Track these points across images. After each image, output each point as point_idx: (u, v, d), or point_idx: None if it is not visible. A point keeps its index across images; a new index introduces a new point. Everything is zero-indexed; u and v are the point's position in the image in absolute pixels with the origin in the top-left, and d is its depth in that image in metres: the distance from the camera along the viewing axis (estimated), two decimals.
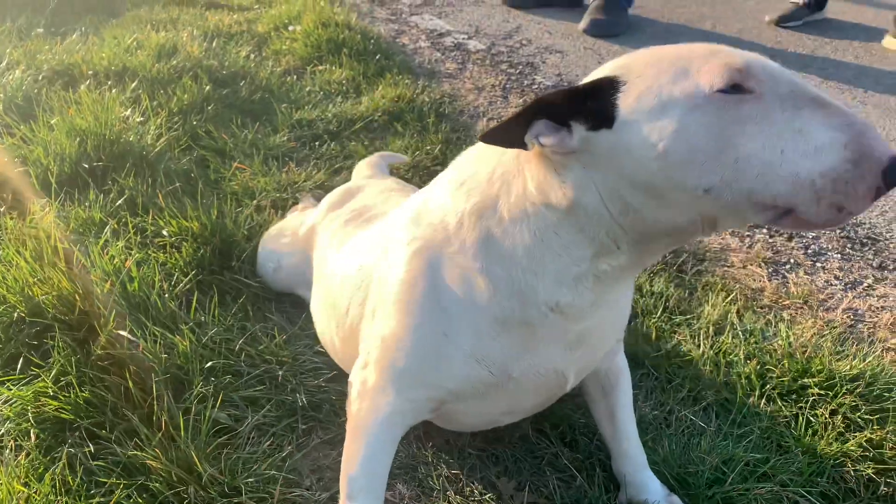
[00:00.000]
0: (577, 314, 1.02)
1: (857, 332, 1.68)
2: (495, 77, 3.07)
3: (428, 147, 2.42)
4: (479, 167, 1.02)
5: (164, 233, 1.74)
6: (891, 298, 1.79)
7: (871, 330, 1.69)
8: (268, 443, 1.32)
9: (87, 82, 2.60)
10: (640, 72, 0.89)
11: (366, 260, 1.20)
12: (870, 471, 1.31)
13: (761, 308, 1.74)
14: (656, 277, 1.82)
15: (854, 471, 1.31)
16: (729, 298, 1.74)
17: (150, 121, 2.32)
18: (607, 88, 0.90)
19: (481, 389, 1.09)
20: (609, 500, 1.26)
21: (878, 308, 1.76)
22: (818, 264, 1.91)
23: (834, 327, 1.66)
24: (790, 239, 2.01)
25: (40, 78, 2.65)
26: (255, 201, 2.02)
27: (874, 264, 1.91)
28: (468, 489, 1.28)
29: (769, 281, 1.83)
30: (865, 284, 1.84)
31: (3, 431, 1.24)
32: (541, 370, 1.08)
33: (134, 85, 2.59)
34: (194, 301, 1.53)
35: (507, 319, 1.02)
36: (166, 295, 1.55)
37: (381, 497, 1.10)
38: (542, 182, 0.95)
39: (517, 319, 1.02)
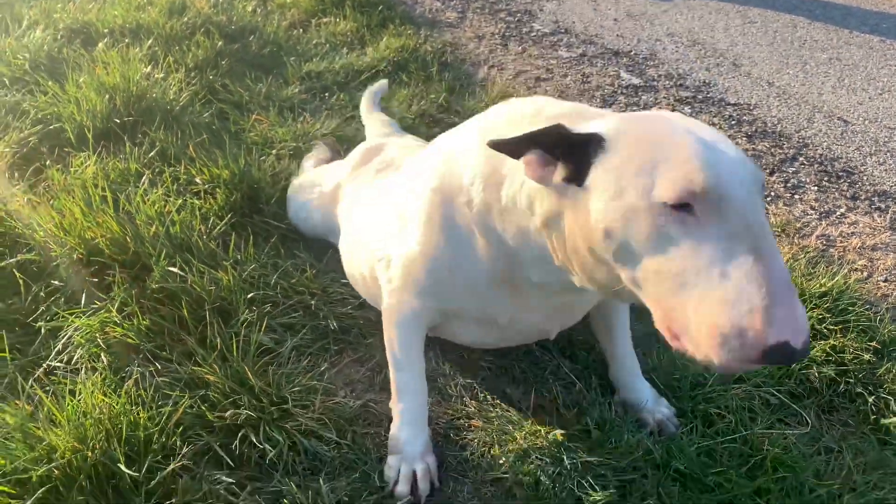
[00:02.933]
0: (554, 290, 1.16)
1: (828, 255, 1.85)
2: (495, 25, 3.17)
3: (433, 96, 2.56)
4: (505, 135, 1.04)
5: (198, 181, 1.90)
6: (860, 225, 1.96)
7: (841, 253, 1.86)
8: (305, 361, 1.50)
9: (105, 40, 2.72)
10: (623, 144, 0.92)
11: (398, 199, 1.35)
12: (832, 372, 1.50)
13: None
14: None
15: (819, 373, 1.51)
16: None
17: (171, 76, 2.45)
18: (593, 147, 0.94)
19: (475, 318, 1.29)
20: (604, 402, 1.45)
21: (848, 234, 1.93)
22: (796, 196, 2.08)
23: (808, 252, 1.83)
24: (772, 174, 2.17)
25: (59, 37, 2.76)
26: (274, 151, 2.17)
27: (848, 195, 2.08)
28: (482, 395, 1.47)
29: None
30: (838, 213, 2.01)
31: (77, 356, 1.43)
32: (525, 324, 1.27)
33: (150, 42, 2.71)
34: (232, 242, 1.70)
35: (497, 277, 1.18)
36: (205, 236, 1.72)
37: (419, 367, 1.34)
38: (532, 191, 1.04)
39: (507, 279, 1.18)
